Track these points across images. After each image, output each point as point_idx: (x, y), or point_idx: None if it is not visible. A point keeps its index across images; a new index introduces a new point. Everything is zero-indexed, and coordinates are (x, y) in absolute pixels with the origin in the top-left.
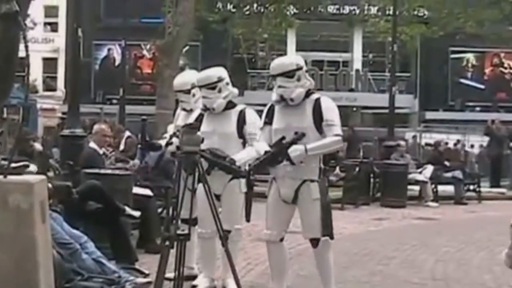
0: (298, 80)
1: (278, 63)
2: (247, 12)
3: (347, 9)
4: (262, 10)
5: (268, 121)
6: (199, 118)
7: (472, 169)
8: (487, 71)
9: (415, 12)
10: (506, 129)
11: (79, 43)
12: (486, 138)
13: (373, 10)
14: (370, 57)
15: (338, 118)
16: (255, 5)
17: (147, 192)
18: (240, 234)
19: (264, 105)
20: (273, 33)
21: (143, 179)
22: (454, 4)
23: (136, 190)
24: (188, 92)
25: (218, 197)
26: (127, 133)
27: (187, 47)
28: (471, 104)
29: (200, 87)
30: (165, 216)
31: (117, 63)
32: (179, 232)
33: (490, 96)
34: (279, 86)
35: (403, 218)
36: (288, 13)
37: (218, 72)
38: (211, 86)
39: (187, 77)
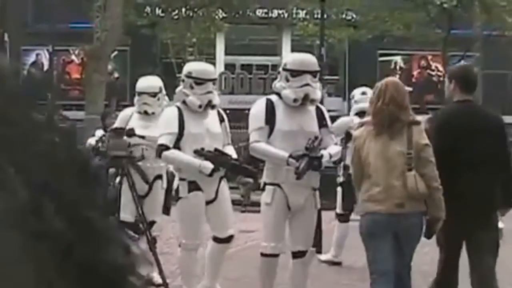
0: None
1: None
2: (176, 17)
3: (275, 12)
4: (190, 14)
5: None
6: (181, 118)
7: None
8: (415, 73)
9: (343, 16)
10: None
11: (6, 48)
12: None
13: (302, 13)
14: None
15: None
16: (183, 10)
17: None
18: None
19: None
20: (202, 37)
21: None
22: (382, 7)
23: None
24: (154, 95)
25: (208, 203)
26: None
27: (115, 52)
28: None
29: (206, 80)
30: None
31: (45, 68)
32: None
33: (418, 98)
34: None
35: (332, 220)
36: (216, 17)
37: None
38: (214, 81)
39: (155, 81)
